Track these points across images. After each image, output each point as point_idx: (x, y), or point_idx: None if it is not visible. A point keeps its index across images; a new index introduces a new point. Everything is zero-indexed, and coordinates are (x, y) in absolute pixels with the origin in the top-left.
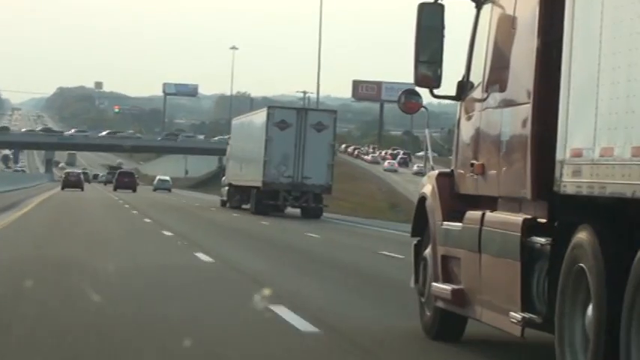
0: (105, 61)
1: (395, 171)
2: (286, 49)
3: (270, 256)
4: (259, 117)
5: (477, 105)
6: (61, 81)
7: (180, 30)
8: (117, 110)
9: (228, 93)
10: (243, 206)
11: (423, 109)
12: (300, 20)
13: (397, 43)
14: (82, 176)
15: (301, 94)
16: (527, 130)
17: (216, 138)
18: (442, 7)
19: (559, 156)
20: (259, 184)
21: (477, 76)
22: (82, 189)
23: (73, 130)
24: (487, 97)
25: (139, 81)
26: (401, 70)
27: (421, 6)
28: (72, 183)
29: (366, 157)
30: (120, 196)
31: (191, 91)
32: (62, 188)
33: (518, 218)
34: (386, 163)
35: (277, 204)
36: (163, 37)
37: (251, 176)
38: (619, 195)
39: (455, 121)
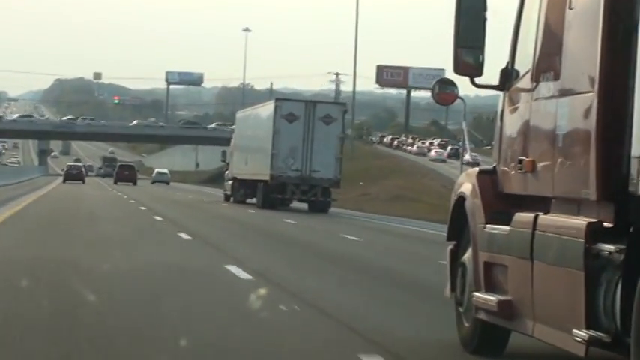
0: (105, 52)
1: (444, 161)
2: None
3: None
4: (266, 109)
5: (526, 95)
6: (59, 72)
7: (184, 19)
8: (117, 101)
9: (230, 84)
10: (248, 201)
11: (459, 99)
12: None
13: (424, 26)
14: (83, 169)
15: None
16: (591, 122)
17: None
18: None
19: (636, 151)
20: (267, 177)
21: (524, 63)
22: (84, 181)
23: (67, 118)
24: (538, 85)
25: (140, 72)
26: (428, 55)
27: None
28: (73, 176)
29: (410, 148)
30: (128, 193)
31: (196, 80)
32: (64, 181)
33: (580, 222)
34: (433, 152)
35: (285, 198)
36: (166, 26)
37: (258, 170)
38: None
39: (497, 113)
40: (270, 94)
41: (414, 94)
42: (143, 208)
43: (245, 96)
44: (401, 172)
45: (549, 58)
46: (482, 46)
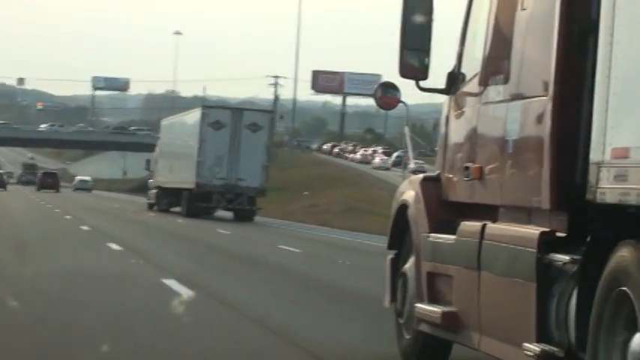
0: (28, 56)
1: (388, 169)
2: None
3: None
4: (192, 117)
5: (473, 99)
6: None
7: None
8: (40, 107)
9: (156, 91)
10: (172, 209)
11: (401, 104)
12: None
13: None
14: (5, 176)
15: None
16: (544, 128)
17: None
18: None
19: (594, 157)
20: (192, 185)
21: (472, 66)
22: (5, 188)
23: None
24: (487, 89)
25: (65, 77)
26: (362, 60)
27: None
28: None
29: (352, 155)
30: (52, 202)
31: (122, 86)
32: None
33: (532, 231)
34: (377, 160)
35: (210, 206)
36: (92, 29)
37: (183, 178)
38: None
39: (442, 118)
40: (199, 101)
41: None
42: (68, 217)
43: (173, 102)
44: (347, 181)
45: (499, 60)
46: (428, 48)
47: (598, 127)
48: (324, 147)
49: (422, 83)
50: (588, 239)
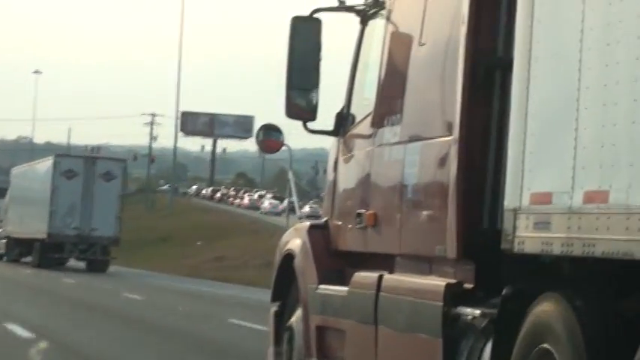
0: None
1: (278, 214)
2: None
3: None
4: (44, 165)
5: (366, 141)
6: None
7: None
8: None
9: (7, 137)
10: (23, 260)
11: (284, 147)
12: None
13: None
14: None
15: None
16: (449, 171)
17: None
18: (319, 23)
19: (510, 203)
20: (44, 235)
21: (363, 106)
22: None
23: None
24: (381, 130)
25: None
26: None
27: (294, 21)
28: None
29: (239, 200)
30: None
31: None
32: None
33: (437, 283)
34: (267, 204)
35: (63, 257)
36: None
37: (34, 227)
38: (618, 255)
39: (330, 162)
40: (54, 148)
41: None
42: None
43: (25, 150)
44: (243, 228)
45: (395, 99)
46: (317, 87)
47: (514, 171)
48: (204, 192)
49: (310, 124)
50: (504, 292)
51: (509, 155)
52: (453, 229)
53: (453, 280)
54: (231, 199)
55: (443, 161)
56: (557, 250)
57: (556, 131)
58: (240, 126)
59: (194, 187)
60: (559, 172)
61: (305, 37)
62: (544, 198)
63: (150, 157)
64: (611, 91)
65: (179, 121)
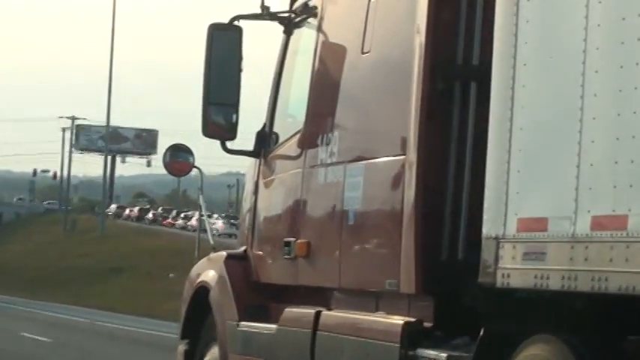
0: None
1: (230, 236)
2: None
3: None
4: None
5: (294, 162)
6: None
7: None
8: None
9: None
10: None
11: (195, 169)
12: None
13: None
14: None
15: None
16: (405, 194)
17: None
18: (239, 31)
19: (491, 230)
20: None
21: (289, 124)
22: None
23: None
24: (315, 150)
25: None
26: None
27: (212, 29)
28: None
29: (181, 221)
30: None
31: None
32: None
33: (392, 321)
34: (220, 224)
35: None
36: None
37: None
38: (635, 291)
39: (248, 186)
40: None
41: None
42: None
43: None
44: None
45: (331, 115)
46: (237, 103)
47: (495, 193)
48: (130, 212)
49: (229, 144)
50: (482, 332)
51: (489, 175)
52: (410, 260)
53: (410, 319)
54: (169, 220)
55: (395, 183)
56: (555, 284)
57: (552, 146)
58: (144, 140)
59: (113, 205)
60: (557, 193)
61: (224, 47)
62: (537, 224)
63: (55, 172)
64: (628, 98)
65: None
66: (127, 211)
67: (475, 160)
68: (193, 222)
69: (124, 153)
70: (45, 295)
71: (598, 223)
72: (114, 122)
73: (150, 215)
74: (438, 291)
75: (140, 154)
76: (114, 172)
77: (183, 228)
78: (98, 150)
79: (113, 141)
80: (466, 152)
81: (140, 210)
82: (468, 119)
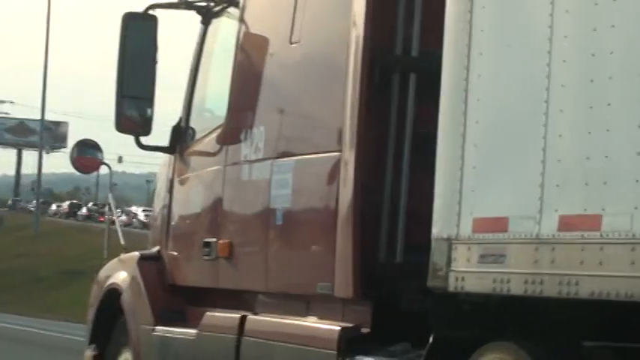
0: None
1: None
2: None
3: None
4: None
5: (212, 159)
6: None
7: None
8: None
9: None
10: None
11: (104, 166)
12: None
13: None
14: None
15: None
16: (340, 193)
17: None
18: (155, 21)
19: (442, 231)
20: None
21: (207, 119)
22: None
23: None
24: (236, 146)
25: None
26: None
27: (126, 19)
28: None
29: (126, 217)
30: None
31: None
32: None
33: (328, 327)
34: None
35: None
36: None
37: None
38: (619, 297)
39: (162, 183)
40: None
41: None
42: None
43: None
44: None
45: (255, 109)
46: (152, 96)
47: (446, 191)
48: (59, 207)
49: (144, 139)
50: (432, 339)
51: (439, 172)
52: (346, 262)
53: (346, 324)
54: (108, 217)
55: (329, 181)
56: (517, 288)
57: (513, 141)
58: (51, 134)
59: (54, 205)
60: (518, 191)
61: (139, 37)
62: (495, 224)
63: None
64: (601, 89)
65: None
66: (54, 207)
67: (415, 157)
68: (123, 217)
69: (33, 147)
70: None
71: (566, 223)
72: (21, 114)
73: (84, 211)
74: (376, 295)
75: (50, 148)
76: (20, 168)
77: (127, 224)
78: (3, 143)
79: (19, 134)
80: (405, 148)
81: (70, 205)
82: (407, 113)
